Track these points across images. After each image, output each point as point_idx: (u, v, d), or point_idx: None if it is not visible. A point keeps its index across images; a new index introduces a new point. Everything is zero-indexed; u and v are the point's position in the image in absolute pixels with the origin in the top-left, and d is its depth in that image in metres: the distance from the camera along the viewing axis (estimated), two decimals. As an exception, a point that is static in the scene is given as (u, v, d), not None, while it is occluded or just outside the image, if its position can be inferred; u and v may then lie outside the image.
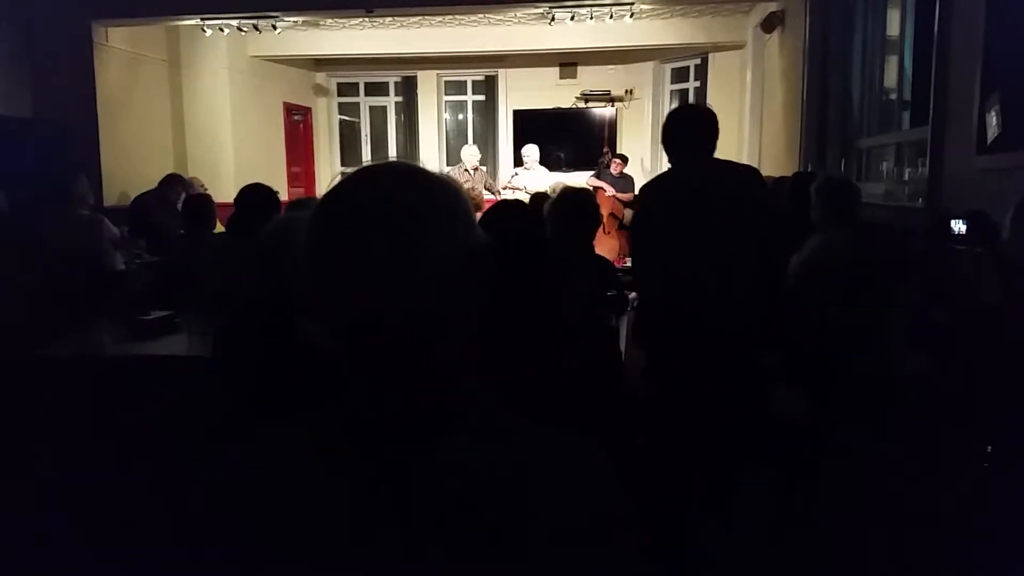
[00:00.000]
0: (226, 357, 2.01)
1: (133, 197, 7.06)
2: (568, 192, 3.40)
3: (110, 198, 7.44)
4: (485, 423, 0.88)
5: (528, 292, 1.87)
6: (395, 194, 0.89)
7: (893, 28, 4.99)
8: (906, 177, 4.44)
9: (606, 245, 8.82)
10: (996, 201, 2.68)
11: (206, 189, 7.30)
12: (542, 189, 7.09)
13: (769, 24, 6.87)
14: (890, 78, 5.10)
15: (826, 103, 5.63)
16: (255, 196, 3.35)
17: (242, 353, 1.85)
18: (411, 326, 0.84)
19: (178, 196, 6.40)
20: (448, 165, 10.50)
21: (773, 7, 6.84)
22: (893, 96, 5.00)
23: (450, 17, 8.82)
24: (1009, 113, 2.99)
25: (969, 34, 3.26)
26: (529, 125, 10.11)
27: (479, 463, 0.83)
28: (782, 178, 5.11)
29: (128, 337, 3.34)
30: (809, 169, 5.56)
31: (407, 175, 0.93)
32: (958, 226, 2.77)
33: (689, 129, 2.99)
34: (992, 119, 3.09)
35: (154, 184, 6.92)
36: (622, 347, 2.86)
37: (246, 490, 0.89)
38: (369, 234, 0.85)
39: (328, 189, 0.93)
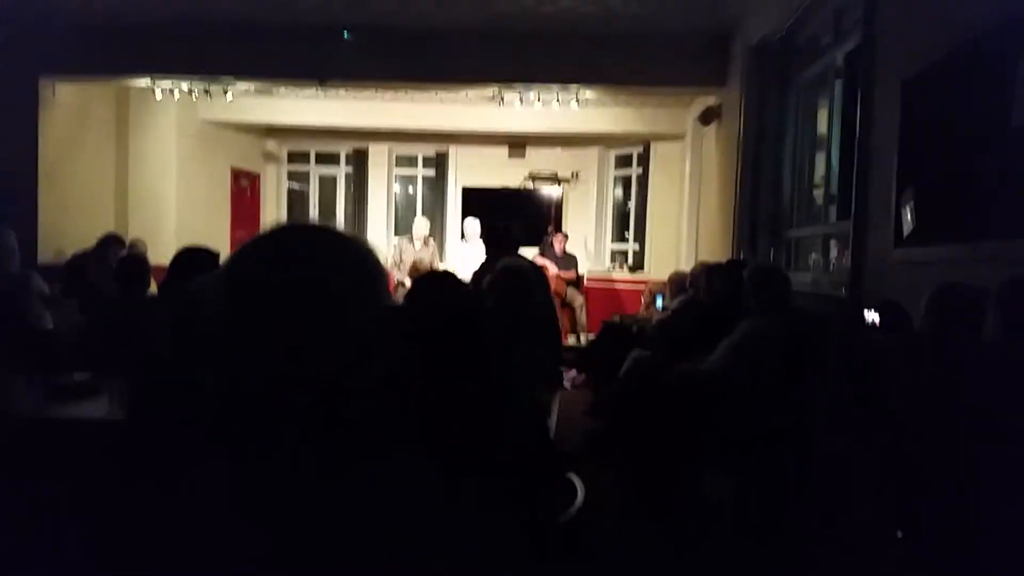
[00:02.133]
0: (137, 419, 1.97)
1: (69, 255, 6.92)
2: (507, 264, 3.47)
3: (46, 254, 7.27)
4: (393, 471, 0.87)
5: (455, 361, 1.88)
6: (304, 255, 0.90)
7: (822, 126, 5.29)
8: (831, 267, 4.63)
9: (548, 323, 8.92)
10: (913, 291, 2.82)
11: (146, 251, 7.20)
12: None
13: (706, 117, 7.21)
14: (818, 173, 5.37)
15: (758, 194, 5.88)
16: (190, 257, 3.30)
17: (153, 414, 1.81)
18: (315, 387, 0.85)
19: (115, 256, 6.28)
20: (396, 235, 10.57)
21: (711, 101, 7.18)
22: (820, 190, 5.26)
23: (402, 92, 9.01)
24: (922, 208, 3.17)
25: (886, 133, 3.47)
26: (477, 202, 10.29)
27: (378, 505, 0.82)
28: (715, 264, 5.28)
29: (47, 399, 3.21)
30: (741, 257, 5.75)
31: (318, 236, 0.95)
32: (872, 316, 2.90)
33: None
34: (907, 214, 3.27)
35: (92, 243, 6.80)
36: (553, 422, 2.87)
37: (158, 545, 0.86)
38: (277, 295, 0.86)
39: (240, 247, 0.94)
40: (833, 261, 4.66)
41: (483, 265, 4.80)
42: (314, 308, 0.86)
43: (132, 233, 8.16)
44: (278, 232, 0.95)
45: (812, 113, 5.43)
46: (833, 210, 4.92)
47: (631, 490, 4.22)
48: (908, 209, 3.24)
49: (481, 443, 1.79)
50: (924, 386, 2.10)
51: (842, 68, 4.72)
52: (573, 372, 7.66)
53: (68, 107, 7.82)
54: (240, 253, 0.92)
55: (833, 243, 4.82)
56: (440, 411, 1.76)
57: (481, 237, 8.84)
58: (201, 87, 7.89)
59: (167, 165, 9.11)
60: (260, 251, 0.91)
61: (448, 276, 1.88)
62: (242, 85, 8.25)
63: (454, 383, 1.82)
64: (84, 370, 3.44)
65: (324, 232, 0.96)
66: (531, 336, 3.15)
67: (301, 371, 0.86)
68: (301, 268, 0.88)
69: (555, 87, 7.58)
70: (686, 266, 7.34)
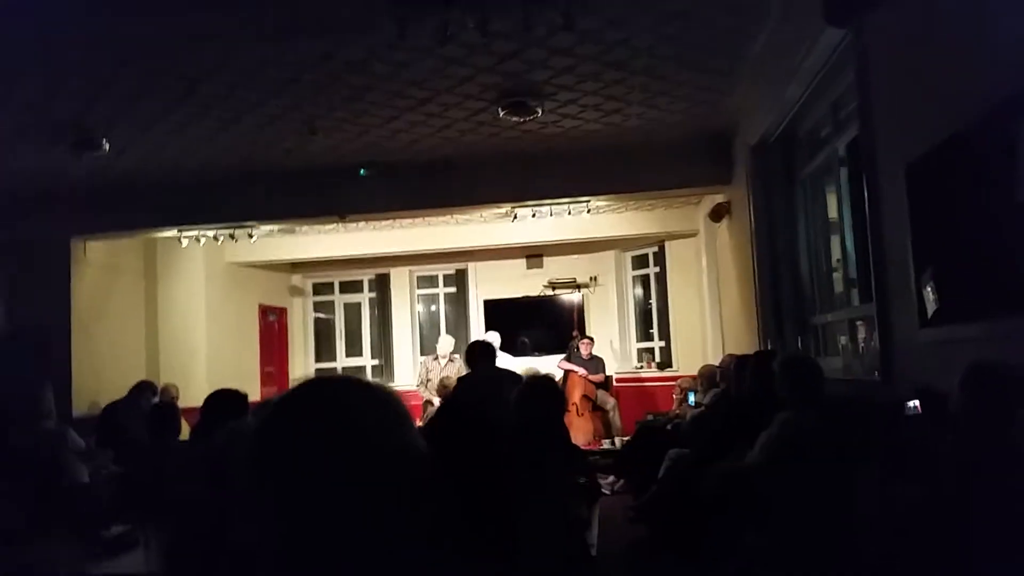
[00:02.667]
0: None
1: (103, 406, 7.01)
2: (532, 379, 3.48)
3: (80, 407, 7.38)
4: None
5: (489, 486, 1.87)
6: (333, 412, 0.93)
7: (833, 212, 5.35)
8: (860, 351, 4.58)
9: (580, 428, 8.80)
10: (943, 371, 2.78)
11: (178, 395, 7.29)
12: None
13: (717, 214, 7.32)
14: (835, 257, 5.39)
15: (778, 284, 5.89)
16: (220, 401, 3.36)
17: (186, 570, 1.80)
18: (352, 538, 0.86)
19: (148, 404, 6.38)
20: (422, 355, 10.63)
21: (720, 199, 7.32)
22: (840, 274, 5.26)
23: (419, 218, 9.29)
24: (943, 288, 3.17)
25: (897, 217, 3.50)
26: (499, 314, 10.38)
27: None
28: (744, 356, 5.24)
29: (86, 555, 3.21)
30: (769, 347, 5.71)
31: (340, 388, 0.98)
32: (912, 403, 2.84)
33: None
34: (929, 294, 3.26)
35: (125, 392, 6.91)
36: (594, 535, 2.80)
37: None
38: (309, 451, 0.88)
39: (272, 404, 0.97)
40: (862, 344, 4.61)
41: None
42: (343, 460, 0.88)
43: (164, 378, 8.30)
44: (302, 388, 0.99)
45: (822, 202, 5.51)
46: (855, 293, 4.91)
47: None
48: (929, 290, 3.24)
49: (524, 570, 1.76)
50: (966, 468, 2.05)
51: (845, 158, 4.82)
52: (611, 477, 7.51)
53: (98, 262, 8.13)
54: (267, 414, 0.95)
55: (860, 326, 4.78)
56: (480, 544, 1.74)
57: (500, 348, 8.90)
58: (226, 232, 8.18)
59: (196, 308, 9.34)
60: (286, 410, 0.94)
61: (472, 407, 1.89)
62: (265, 227, 8.55)
63: (492, 505, 1.80)
64: (121, 522, 3.44)
65: (346, 383, 0.99)
66: (559, 450, 3.13)
67: (334, 528, 0.87)
68: (327, 422, 0.90)
69: (566, 200, 7.79)
70: (714, 359, 7.30)
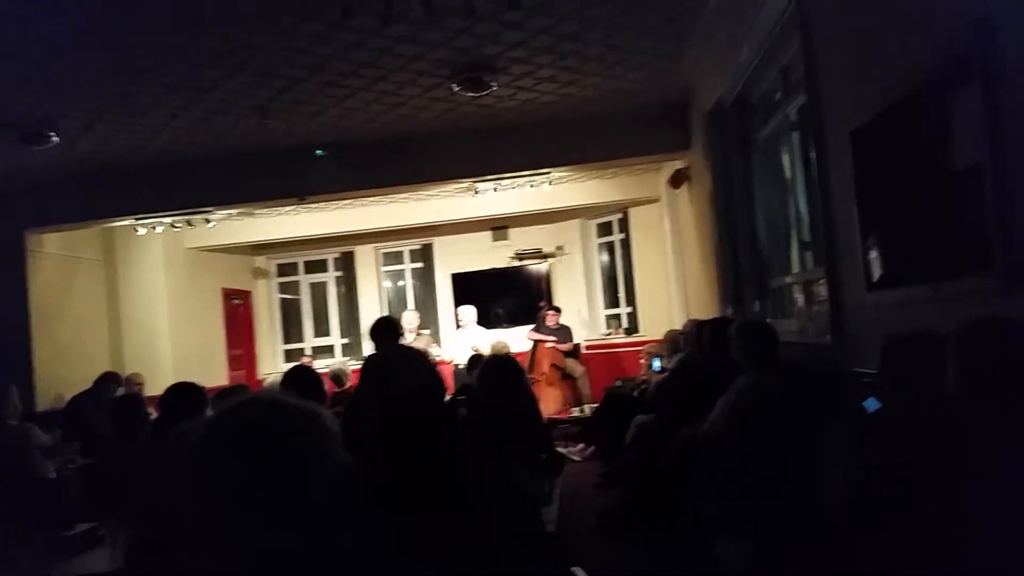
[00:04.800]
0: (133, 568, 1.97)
1: (68, 399, 6.95)
2: (490, 361, 3.51)
3: (44, 401, 7.29)
4: None
5: (434, 477, 1.90)
6: (258, 435, 0.95)
7: (787, 177, 5.40)
8: (813, 314, 4.67)
9: (550, 395, 8.89)
10: (889, 335, 2.85)
11: (143, 385, 7.25)
12: (482, 349, 7.23)
13: (676, 181, 7.37)
14: (791, 222, 5.46)
15: (736, 248, 5.96)
16: (177, 395, 3.37)
17: (147, 564, 1.82)
18: (279, 554, 0.88)
19: (112, 395, 6.33)
20: (391, 332, 10.62)
21: (679, 165, 7.36)
22: (795, 239, 5.34)
23: (381, 195, 9.23)
24: (887, 253, 3.24)
25: (843, 183, 3.56)
26: (467, 286, 10.41)
27: None
28: (704, 322, 5.32)
29: (50, 554, 3.21)
30: (730, 312, 5.80)
31: (271, 413, 1.00)
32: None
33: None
34: (874, 259, 3.33)
35: (90, 383, 6.85)
36: (554, 511, 2.86)
37: None
38: (236, 469, 0.91)
39: (205, 425, 0.99)
40: (815, 308, 4.70)
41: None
42: (270, 479, 0.91)
43: (129, 367, 8.22)
44: (232, 411, 1.01)
45: (777, 166, 5.55)
46: (809, 257, 4.99)
47: (649, 563, 4.15)
48: (874, 255, 3.31)
49: (473, 556, 1.80)
50: (895, 436, 2.13)
51: (796, 122, 4.86)
52: (581, 445, 7.62)
53: (55, 254, 7.98)
54: (199, 435, 0.97)
55: (816, 288, 4.87)
56: (428, 529, 1.77)
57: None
58: (183, 220, 8.07)
59: (157, 295, 9.24)
60: (216, 432, 0.96)
61: (421, 394, 1.92)
62: (223, 212, 8.44)
63: (437, 499, 1.83)
64: (87, 515, 3.45)
65: (273, 406, 1.01)
66: (519, 428, 3.17)
67: (262, 542, 0.89)
68: (252, 445, 0.93)
69: (527, 173, 7.77)
70: (678, 324, 7.39)
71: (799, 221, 5.15)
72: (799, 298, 5.17)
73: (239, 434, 0.95)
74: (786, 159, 5.33)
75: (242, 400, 1.01)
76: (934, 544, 1.83)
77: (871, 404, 2.48)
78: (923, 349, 2.27)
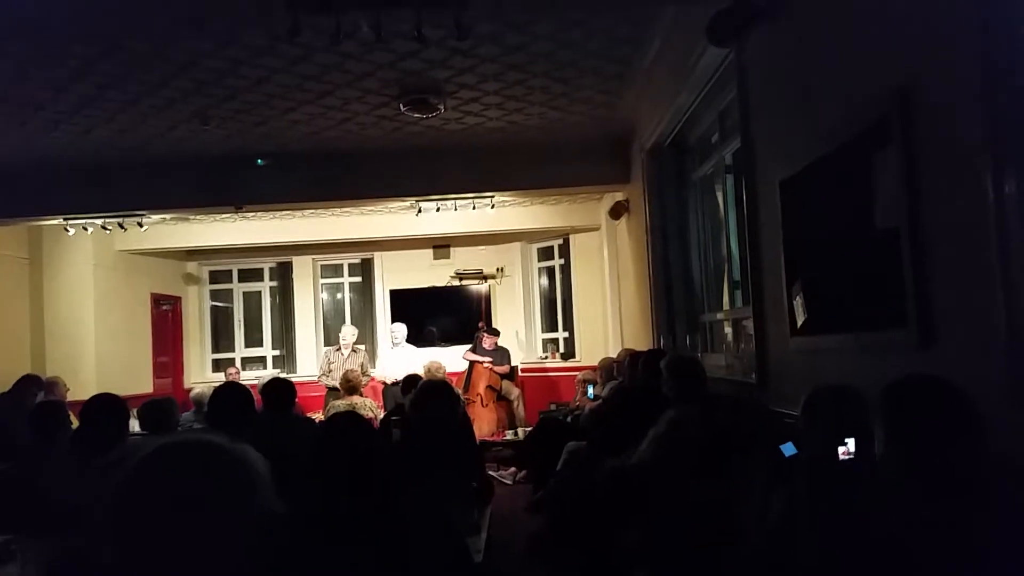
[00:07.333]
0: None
1: (-18, 403, 6.65)
2: (425, 386, 3.53)
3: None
4: None
5: (363, 502, 1.92)
6: (184, 479, 0.97)
7: (720, 216, 5.58)
8: (739, 352, 4.83)
9: (484, 418, 8.91)
10: (811, 378, 2.98)
11: (67, 389, 7.02)
12: (411, 371, 7.20)
13: (616, 212, 7.52)
14: (722, 260, 5.63)
15: (670, 281, 6.12)
16: (99, 408, 3.29)
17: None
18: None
19: (33, 399, 6.11)
20: (326, 345, 10.50)
21: (619, 197, 7.51)
22: (725, 276, 5.51)
23: (323, 209, 9.15)
24: (811, 300, 3.38)
25: (771, 230, 3.70)
26: (406, 303, 10.37)
27: None
28: (638, 353, 5.44)
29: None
30: (661, 343, 5.94)
31: (198, 456, 1.02)
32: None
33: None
34: (798, 305, 3.47)
35: (9, 386, 6.59)
36: (482, 540, 2.88)
37: None
38: (161, 515, 0.92)
39: (132, 466, 1.00)
40: (743, 345, 4.85)
41: None
42: (195, 526, 0.92)
43: (51, 369, 7.94)
44: (160, 452, 1.02)
45: (713, 204, 5.73)
46: (739, 295, 5.15)
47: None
48: (798, 301, 3.45)
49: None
50: (812, 482, 2.24)
51: (731, 165, 5.04)
52: (513, 468, 7.65)
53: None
54: (125, 475, 0.98)
55: (742, 327, 5.03)
56: (354, 564, 1.79)
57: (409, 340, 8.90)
58: (115, 221, 7.86)
59: (84, 297, 8.96)
60: (141, 475, 0.98)
61: (354, 417, 1.94)
62: (156, 215, 8.25)
63: (363, 532, 1.85)
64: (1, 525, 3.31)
65: (201, 448, 1.02)
66: (451, 455, 3.20)
67: None
68: (179, 486, 0.95)
69: (469, 196, 7.83)
70: (614, 351, 7.51)
71: (731, 259, 5.33)
72: (728, 333, 5.34)
73: (165, 480, 0.97)
74: (721, 198, 5.51)
75: (170, 442, 1.02)
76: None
77: (788, 449, 2.58)
78: (841, 405, 2.38)
